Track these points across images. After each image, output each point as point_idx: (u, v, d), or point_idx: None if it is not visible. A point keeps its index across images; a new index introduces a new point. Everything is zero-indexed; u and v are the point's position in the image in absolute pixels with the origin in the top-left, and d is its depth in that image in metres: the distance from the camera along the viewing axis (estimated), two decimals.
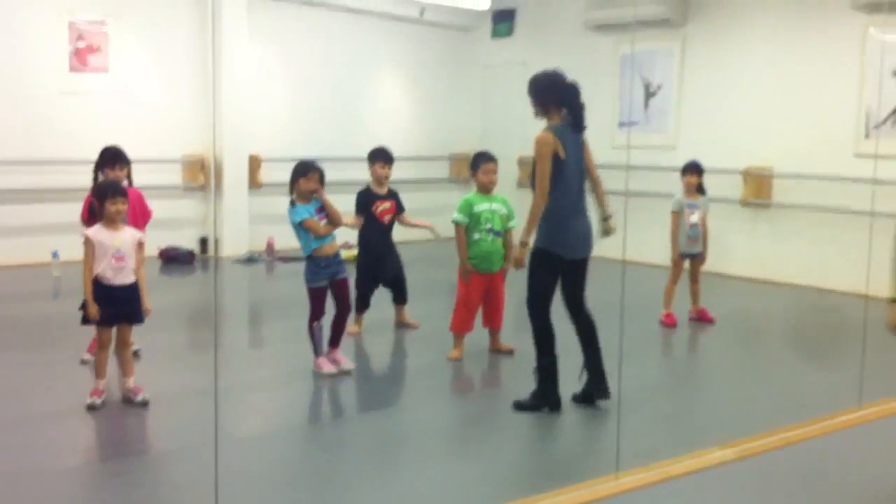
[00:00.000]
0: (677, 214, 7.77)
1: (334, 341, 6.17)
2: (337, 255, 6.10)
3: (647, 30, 11.12)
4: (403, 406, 5.79)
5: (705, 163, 8.09)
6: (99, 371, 5.36)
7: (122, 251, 5.26)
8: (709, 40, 10.71)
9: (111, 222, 5.28)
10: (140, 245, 5.41)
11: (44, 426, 5.09)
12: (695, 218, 7.74)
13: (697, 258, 7.84)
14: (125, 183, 6.16)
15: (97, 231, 5.26)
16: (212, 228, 11.21)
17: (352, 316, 7.17)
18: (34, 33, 10.07)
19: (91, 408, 5.23)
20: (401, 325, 7.48)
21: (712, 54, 10.66)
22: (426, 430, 5.16)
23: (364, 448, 4.92)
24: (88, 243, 5.22)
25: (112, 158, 6.28)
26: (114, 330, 5.35)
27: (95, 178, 6.31)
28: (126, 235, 5.33)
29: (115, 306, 5.26)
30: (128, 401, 5.38)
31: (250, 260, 10.61)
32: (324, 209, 5.99)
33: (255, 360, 6.73)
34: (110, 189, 5.33)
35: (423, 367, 6.54)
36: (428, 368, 6.44)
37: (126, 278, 5.29)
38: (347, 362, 6.17)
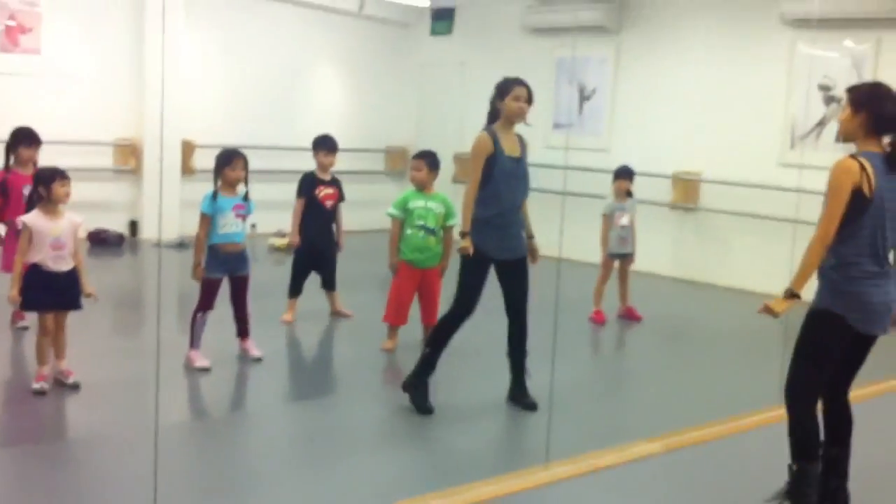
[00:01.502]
0: (608, 217, 7.96)
1: (241, 333, 6.14)
2: (241, 254, 5.96)
3: (583, 35, 11.32)
4: (334, 396, 5.81)
5: (636, 166, 8.30)
6: (41, 357, 5.27)
7: (62, 239, 5.19)
8: (642, 48, 10.94)
9: (52, 208, 5.19)
10: (77, 230, 5.33)
11: None
12: (625, 220, 7.94)
13: (627, 258, 8.04)
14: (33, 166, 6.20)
15: (35, 218, 5.16)
16: (145, 212, 11.06)
17: (284, 303, 7.24)
18: None
19: (40, 393, 5.15)
20: (335, 314, 7.51)
21: (645, 61, 10.90)
22: (356, 421, 5.19)
23: (291, 438, 4.95)
24: (25, 230, 5.12)
25: (26, 138, 6.34)
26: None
27: (7, 159, 6.29)
28: (64, 222, 5.23)
29: (55, 293, 5.20)
30: (59, 383, 5.32)
31: (181, 245, 10.49)
32: (245, 204, 5.93)
33: (184, 347, 6.67)
34: (58, 173, 5.21)
35: (356, 357, 6.56)
36: (360, 359, 6.46)
37: (65, 265, 5.22)
38: (255, 351, 6.15)
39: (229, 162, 5.88)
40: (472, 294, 5.30)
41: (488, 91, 5.43)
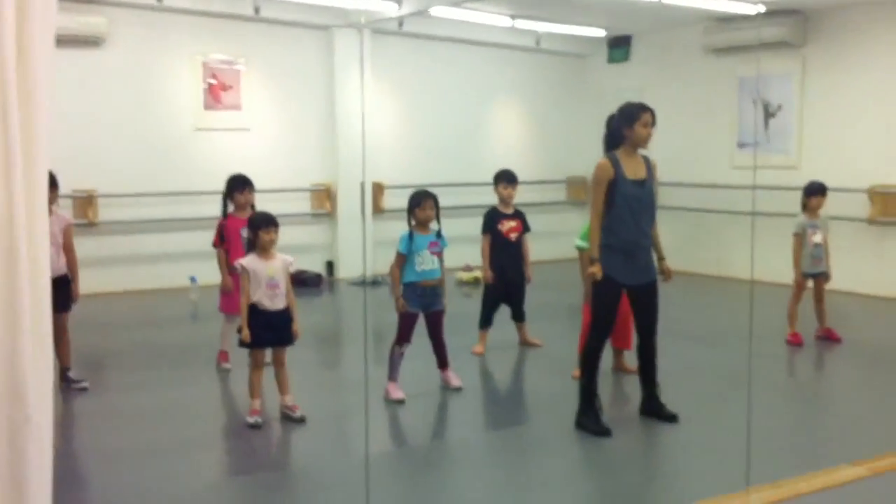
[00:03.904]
0: (800, 236, 7.73)
1: (441, 364, 6.38)
2: (435, 288, 6.19)
3: (766, 52, 11.07)
4: (529, 425, 5.89)
5: (829, 182, 8.01)
6: (255, 391, 5.62)
7: (276, 279, 5.55)
8: (828, 60, 10.58)
9: (264, 251, 5.58)
10: (289, 269, 5.67)
11: (210, 444, 5.45)
12: (818, 238, 7.70)
13: (821, 277, 7.78)
14: (250, 209, 6.63)
15: (251, 261, 5.56)
16: (340, 252, 11.63)
17: (475, 335, 7.45)
18: (172, 75, 10.71)
19: (254, 426, 5.50)
20: (524, 344, 7.65)
21: (833, 74, 10.53)
22: (551, 449, 5.25)
23: (492, 466, 5.06)
24: (244, 272, 5.53)
25: (241, 183, 6.81)
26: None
27: (224, 204, 6.80)
28: (278, 263, 5.60)
29: (271, 330, 5.57)
30: (286, 417, 5.67)
31: (375, 282, 10.94)
32: (439, 241, 6.19)
33: (383, 379, 6.93)
34: (263, 220, 5.61)
35: (548, 386, 6.62)
36: (552, 388, 6.52)
37: (280, 304, 5.58)
38: (456, 381, 6.36)
39: (419, 203, 6.15)
40: (607, 318, 5.47)
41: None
